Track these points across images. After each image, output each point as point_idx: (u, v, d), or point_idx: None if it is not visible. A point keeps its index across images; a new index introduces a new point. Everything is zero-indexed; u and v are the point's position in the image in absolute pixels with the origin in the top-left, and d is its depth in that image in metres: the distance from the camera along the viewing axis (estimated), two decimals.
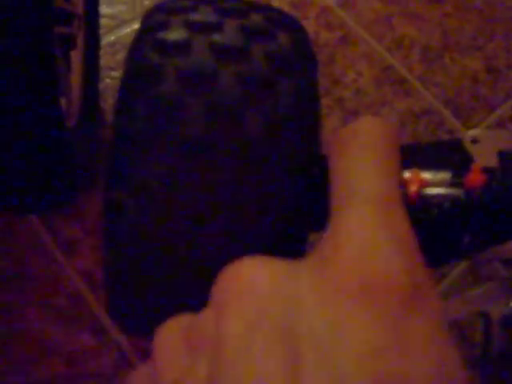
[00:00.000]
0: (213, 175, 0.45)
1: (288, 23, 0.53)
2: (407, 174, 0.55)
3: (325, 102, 0.99)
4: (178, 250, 0.47)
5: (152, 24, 0.53)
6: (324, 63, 1.04)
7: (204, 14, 0.51)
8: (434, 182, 0.56)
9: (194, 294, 0.49)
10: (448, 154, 0.62)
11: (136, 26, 1.04)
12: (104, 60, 0.98)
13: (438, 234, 0.54)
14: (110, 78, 0.98)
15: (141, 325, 0.57)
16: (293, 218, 0.48)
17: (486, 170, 0.58)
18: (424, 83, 1.05)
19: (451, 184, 0.57)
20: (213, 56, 0.47)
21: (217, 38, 0.48)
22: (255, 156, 0.46)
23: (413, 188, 0.54)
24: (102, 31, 0.99)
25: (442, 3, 1.18)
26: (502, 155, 0.58)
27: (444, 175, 0.58)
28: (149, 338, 0.75)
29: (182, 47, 0.48)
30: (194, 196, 0.45)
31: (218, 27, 0.49)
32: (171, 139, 0.46)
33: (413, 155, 0.60)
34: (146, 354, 0.82)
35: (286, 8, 1.09)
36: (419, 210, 0.53)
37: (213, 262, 0.47)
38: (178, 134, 0.46)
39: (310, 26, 1.07)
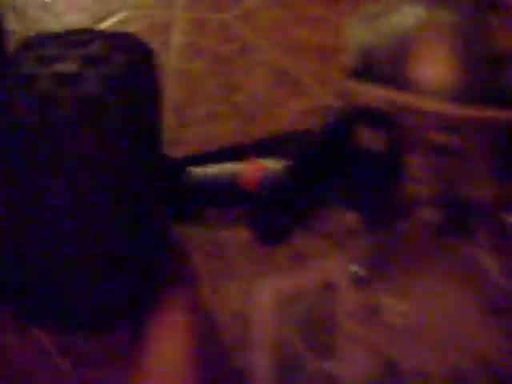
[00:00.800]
0: (46, 193, 0.53)
1: (129, 46, 0.62)
2: (252, 164, 0.65)
3: (222, 108, 1.08)
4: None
5: (11, 58, 0.61)
6: (224, 74, 1.12)
7: (52, 49, 0.60)
8: (272, 170, 0.65)
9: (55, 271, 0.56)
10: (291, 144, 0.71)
11: None
12: None
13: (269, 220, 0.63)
14: None
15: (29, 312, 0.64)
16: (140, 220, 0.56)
17: None
18: (318, 82, 1.14)
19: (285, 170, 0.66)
20: (54, 83, 0.56)
21: (57, 67, 0.57)
22: (91, 171, 0.54)
23: (248, 176, 0.63)
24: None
25: (339, 3, 1.27)
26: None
27: (283, 163, 0.67)
28: (65, 334, 0.82)
29: (30, 79, 0.57)
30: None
31: (60, 58, 0.58)
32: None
33: (262, 147, 0.70)
34: (64, 350, 0.89)
35: (186, 26, 1.17)
36: (258, 196, 0.62)
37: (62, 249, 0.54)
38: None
39: (209, 41, 1.16)
